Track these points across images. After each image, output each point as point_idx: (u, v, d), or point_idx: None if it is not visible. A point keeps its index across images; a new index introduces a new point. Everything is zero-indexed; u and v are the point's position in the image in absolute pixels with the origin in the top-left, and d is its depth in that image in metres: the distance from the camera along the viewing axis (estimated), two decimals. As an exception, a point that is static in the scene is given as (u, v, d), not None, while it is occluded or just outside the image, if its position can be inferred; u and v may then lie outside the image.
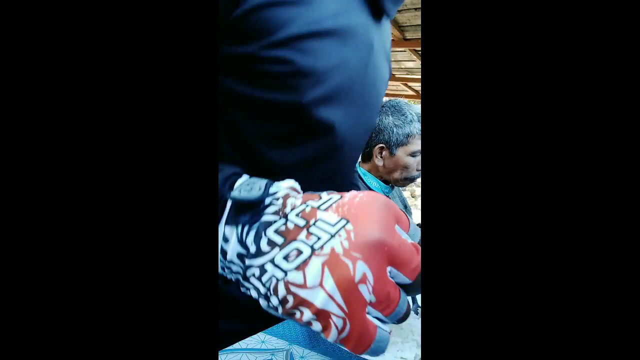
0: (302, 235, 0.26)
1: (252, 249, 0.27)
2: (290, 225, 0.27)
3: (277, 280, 0.25)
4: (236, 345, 0.45)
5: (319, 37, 0.40)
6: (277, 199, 0.29)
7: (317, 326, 0.25)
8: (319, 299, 0.24)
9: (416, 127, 1.10)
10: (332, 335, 0.25)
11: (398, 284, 0.27)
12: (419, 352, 0.45)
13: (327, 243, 0.25)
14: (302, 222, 0.27)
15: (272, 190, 0.29)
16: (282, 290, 0.25)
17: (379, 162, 1.13)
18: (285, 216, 0.28)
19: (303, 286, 0.25)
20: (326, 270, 0.24)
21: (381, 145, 1.13)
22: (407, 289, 0.27)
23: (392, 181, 1.16)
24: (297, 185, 0.31)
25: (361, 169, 1.18)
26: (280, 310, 0.26)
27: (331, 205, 0.28)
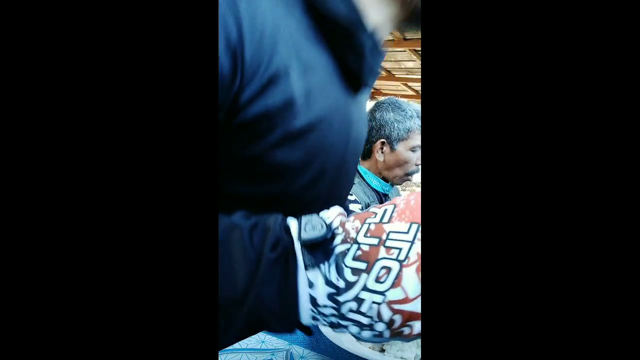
0: (382, 252, 0.26)
1: (341, 284, 0.26)
2: (366, 248, 0.26)
3: (379, 304, 0.25)
4: (236, 345, 0.45)
5: (308, 132, 0.40)
6: (337, 228, 0.28)
7: None
8: None
9: (416, 122, 1.12)
10: None
11: None
12: (419, 352, 0.45)
13: (410, 250, 0.25)
14: (375, 241, 0.26)
15: (328, 221, 0.28)
16: (386, 313, 0.24)
17: (379, 157, 1.14)
18: (355, 241, 0.27)
19: (406, 300, 0.24)
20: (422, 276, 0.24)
21: (382, 140, 1.14)
22: None
23: (391, 178, 1.17)
24: (342, 210, 0.30)
25: (361, 168, 1.18)
26: (387, 334, 0.25)
27: (392, 215, 0.27)
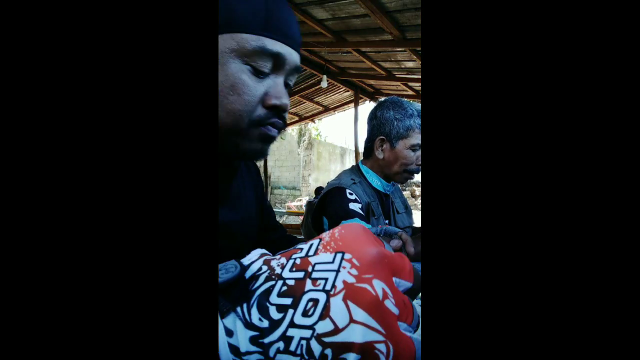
0: (308, 284, 0.25)
1: (265, 324, 0.25)
2: (291, 282, 0.26)
3: (307, 339, 0.24)
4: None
5: None
6: (260, 268, 0.27)
7: None
8: (357, 335, 0.23)
9: (416, 121, 1.12)
10: None
11: (403, 292, 0.26)
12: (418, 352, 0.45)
13: (336, 279, 0.24)
14: (300, 274, 0.26)
15: (247, 263, 0.28)
16: (316, 348, 0.23)
17: (379, 154, 1.14)
18: (280, 277, 0.26)
19: (336, 331, 0.23)
20: (350, 303, 0.23)
21: (382, 137, 1.14)
22: (409, 293, 0.27)
23: (391, 175, 1.17)
24: (265, 251, 0.30)
25: (363, 167, 1.18)
26: None
27: (317, 248, 0.27)
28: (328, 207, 1.07)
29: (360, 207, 1.04)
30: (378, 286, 0.24)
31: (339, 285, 0.24)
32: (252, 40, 0.43)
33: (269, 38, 0.44)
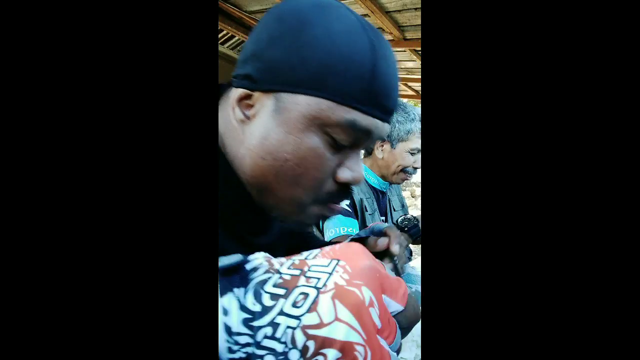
0: (302, 281, 0.27)
1: (257, 308, 0.26)
2: (287, 277, 0.27)
3: (293, 329, 0.25)
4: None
5: None
6: (261, 263, 0.29)
7: None
8: (340, 332, 0.24)
9: (417, 125, 1.15)
10: None
11: (392, 313, 0.28)
12: (418, 352, 0.45)
13: (328, 280, 0.26)
14: (297, 272, 0.27)
15: (250, 257, 0.29)
16: (300, 338, 0.24)
17: (379, 154, 1.17)
18: (278, 272, 0.28)
19: (320, 325, 0.24)
20: (337, 302, 0.25)
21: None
22: (399, 317, 0.28)
23: (388, 175, 1.20)
24: (268, 255, 0.31)
25: (363, 165, 1.20)
26: None
27: (316, 254, 0.29)
28: None
29: (348, 203, 1.07)
30: (366, 293, 0.25)
31: (330, 285, 0.26)
32: (342, 112, 0.34)
33: (363, 113, 0.35)
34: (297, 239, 0.61)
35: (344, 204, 1.06)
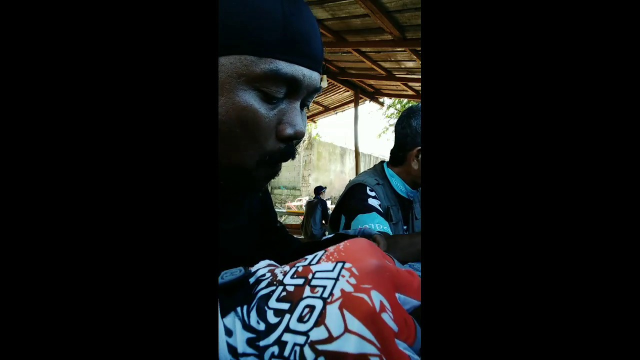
0: (307, 291, 0.25)
1: (261, 327, 0.25)
2: (290, 288, 0.26)
3: (301, 346, 0.23)
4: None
5: None
6: (264, 274, 0.28)
7: None
8: (351, 345, 0.22)
9: None
10: None
11: (409, 310, 0.26)
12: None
13: (334, 287, 0.24)
14: (300, 281, 0.26)
15: (253, 270, 0.28)
16: (310, 355, 0.23)
17: (415, 165, 1.11)
18: (281, 283, 0.26)
19: (330, 339, 0.23)
20: (345, 312, 0.23)
21: (419, 147, 1.11)
22: (418, 312, 0.26)
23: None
24: (273, 262, 0.30)
25: (389, 170, 1.16)
26: None
27: (320, 257, 0.27)
28: (347, 202, 1.06)
29: (379, 204, 1.03)
30: (376, 298, 0.24)
31: (337, 293, 0.24)
32: (264, 64, 0.36)
33: (284, 61, 0.37)
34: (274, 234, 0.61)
35: (376, 203, 1.03)
